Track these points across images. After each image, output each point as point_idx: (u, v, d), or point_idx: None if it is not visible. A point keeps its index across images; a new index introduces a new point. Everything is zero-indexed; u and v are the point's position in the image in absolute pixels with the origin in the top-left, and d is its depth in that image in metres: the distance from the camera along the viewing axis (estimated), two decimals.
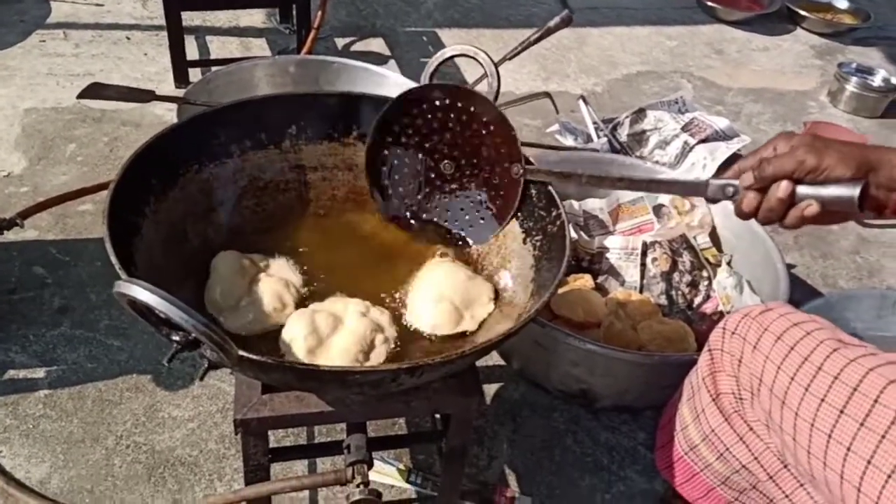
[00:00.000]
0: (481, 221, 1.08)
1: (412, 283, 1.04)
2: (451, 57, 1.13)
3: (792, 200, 0.76)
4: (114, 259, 0.81)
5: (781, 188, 0.76)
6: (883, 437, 0.74)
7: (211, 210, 1.08)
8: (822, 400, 0.79)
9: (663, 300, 1.60)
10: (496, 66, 1.11)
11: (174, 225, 1.02)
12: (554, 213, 1.01)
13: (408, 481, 1.27)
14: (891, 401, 0.75)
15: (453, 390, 0.98)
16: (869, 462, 0.74)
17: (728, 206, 1.72)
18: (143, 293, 0.66)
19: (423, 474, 1.28)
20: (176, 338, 0.74)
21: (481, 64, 1.11)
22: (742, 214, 0.80)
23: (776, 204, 0.76)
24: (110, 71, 2.33)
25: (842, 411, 0.78)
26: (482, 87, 1.07)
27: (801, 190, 0.76)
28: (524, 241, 1.06)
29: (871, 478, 0.74)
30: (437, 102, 1.04)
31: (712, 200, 0.82)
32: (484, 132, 1.04)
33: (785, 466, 0.92)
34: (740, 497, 1.00)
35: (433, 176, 1.08)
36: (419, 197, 1.09)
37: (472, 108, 1.04)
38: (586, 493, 1.32)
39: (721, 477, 0.99)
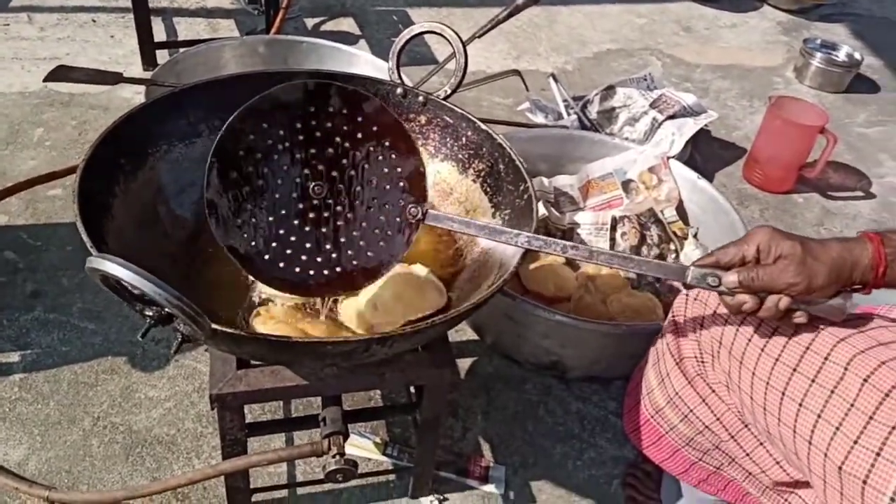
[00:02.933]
0: (353, 263, 0.87)
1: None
2: (419, 34, 1.15)
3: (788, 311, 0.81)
4: (85, 236, 0.81)
5: (783, 303, 0.79)
6: (832, 392, 0.77)
7: (181, 191, 1.08)
8: (777, 359, 0.83)
9: (632, 273, 1.63)
10: (464, 43, 1.12)
11: (145, 205, 1.03)
12: (521, 188, 1.04)
13: (384, 454, 1.30)
14: (840, 358, 0.78)
15: (426, 362, 1.01)
16: (819, 416, 0.78)
17: (695, 181, 1.76)
18: (114, 268, 0.67)
19: (399, 447, 1.30)
20: (149, 313, 0.75)
21: (448, 41, 1.12)
22: (737, 312, 0.82)
23: (775, 313, 0.80)
24: (77, 54, 2.30)
25: (795, 369, 0.81)
26: (450, 66, 1.08)
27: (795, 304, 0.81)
28: (493, 216, 1.09)
29: (822, 431, 0.77)
30: (330, 108, 0.87)
31: (690, 287, 0.82)
32: (381, 156, 0.88)
33: (745, 426, 0.96)
34: (704, 457, 1.03)
35: (295, 199, 0.87)
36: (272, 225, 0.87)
37: (373, 126, 0.87)
38: (558, 460, 1.35)
39: (685, 438, 1.02)
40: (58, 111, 2.04)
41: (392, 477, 1.27)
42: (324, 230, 0.88)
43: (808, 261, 0.78)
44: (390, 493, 1.25)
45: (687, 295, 1.00)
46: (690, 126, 2.07)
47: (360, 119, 0.87)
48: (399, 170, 0.88)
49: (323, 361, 0.90)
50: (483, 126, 1.11)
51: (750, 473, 1.00)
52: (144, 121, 1.03)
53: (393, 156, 0.88)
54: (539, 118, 2.11)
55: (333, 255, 0.87)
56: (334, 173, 0.88)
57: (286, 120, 0.86)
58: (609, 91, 2.20)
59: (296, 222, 0.87)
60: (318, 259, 0.87)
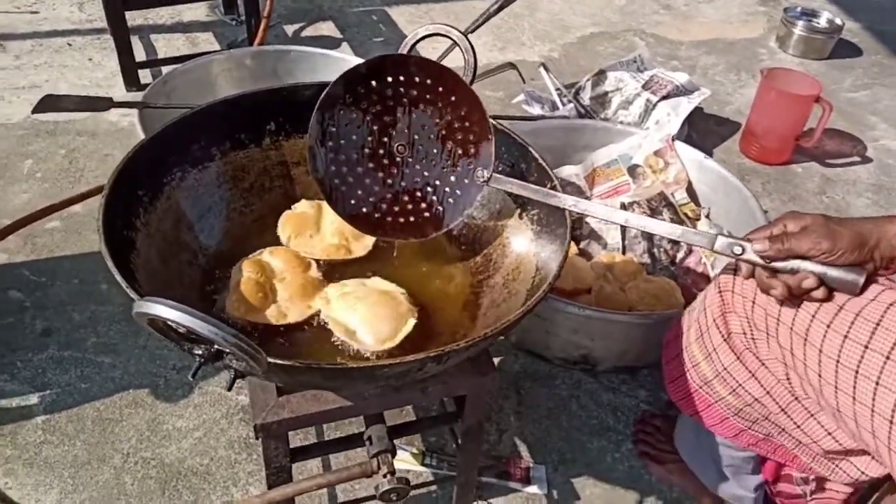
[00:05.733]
0: (425, 215, 1.01)
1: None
2: (425, 37, 1.12)
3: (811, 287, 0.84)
4: (119, 278, 0.78)
5: (808, 282, 0.84)
6: None
7: (201, 216, 1.06)
8: (846, 336, 0.83)
9: (646, 258, 1.62)
10: (470, 41, 1.10)
11: (166, 235, 1.00)
12: (549, 186, 1.02)
13: (423, 464, 1.28)
14: None
15: (468, 371, 0.99)
16: None
17: (702, 161, 1.75)
18: (165, 311, 0.64)
19: (437, 456, 1.29)
20: (198, 351, 0.72)
21: (455, 42, 1.10)
22: (765, 291, 0.87)
23: (800, 292, 0.85)
24: (56, 80, 2.24)
25: (867, 346, 0.81)
26: (455, 65, 1.06)
27: (811, 267, 0.83)
28: (520, 216, 1.07)
29: None
30: (416, 78, 0.96)
31: (718, 253, 0.87)
32: (457, 123, 0.97)
33: (796, 399, 0.95)
34: (753, 426, 1.03)
35: (382, 155, 1.00)
36: (365, 180, 1.00)
37: (451, 97, 0.96)
38: (597, 454, 1.34)
39: (734, 409, 1.03)
40: (45, 141, 1.99)
41: (434, 487, 1.26)
42: (403, 184, 1.01)
43: (831, 226, 0.84)
44: None
45: (734, 271, 0.99)
46: (685, 105, 2.06)
47: (440, 89, 0.96)
48: (471, 136, 0.97)
49: (375, 383, 0.89)
50: (500, 125, 1.09)
51: (800, 442, 1.00)
52: (157, 149, 1.00)
53: (466, 123, 0.97)
54: (536, 109, 2.09)
55: (409, 206, 1.01)
56: (416, 136, 0.99)
57: (377, 87, 0.97)
58: (600, 76, 2.19)
59: (380, 175, 1.00)
60: (396, 208, 1.01)
